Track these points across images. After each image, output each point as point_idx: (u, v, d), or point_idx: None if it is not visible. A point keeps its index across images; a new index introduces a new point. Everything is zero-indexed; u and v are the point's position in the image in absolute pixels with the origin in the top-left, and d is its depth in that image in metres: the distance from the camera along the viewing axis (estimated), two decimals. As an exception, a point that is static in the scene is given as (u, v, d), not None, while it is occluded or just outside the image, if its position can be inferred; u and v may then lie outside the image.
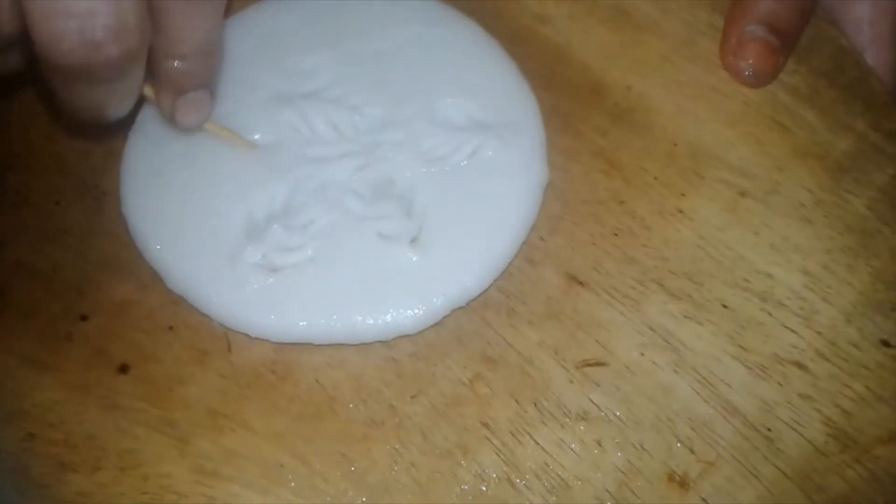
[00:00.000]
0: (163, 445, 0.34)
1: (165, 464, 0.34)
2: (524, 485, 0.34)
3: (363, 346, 0.37)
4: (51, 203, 0.40)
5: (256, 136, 0.40)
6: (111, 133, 0.40)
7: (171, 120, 0.37)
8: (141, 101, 0.36)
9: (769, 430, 0.35)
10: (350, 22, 0.43)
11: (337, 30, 0.42)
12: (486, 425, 0.35)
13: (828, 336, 0.37)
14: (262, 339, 0.36)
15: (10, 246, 0.39)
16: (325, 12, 0.43)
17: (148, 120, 0.40)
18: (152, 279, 0.37)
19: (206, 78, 0.36)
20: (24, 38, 0.30)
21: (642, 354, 0.36)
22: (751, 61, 0.42)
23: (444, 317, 0.37)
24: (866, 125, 0.42)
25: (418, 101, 0.41)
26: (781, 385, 0.36)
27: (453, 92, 0.41)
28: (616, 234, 0.39)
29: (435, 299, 0.37)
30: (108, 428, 0.35)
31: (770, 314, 0.37)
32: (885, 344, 0.37)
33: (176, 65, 0.33)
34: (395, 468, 0.34)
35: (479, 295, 0.37)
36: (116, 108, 0.34)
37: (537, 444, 0.35)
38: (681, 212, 0.40)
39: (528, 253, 0.39)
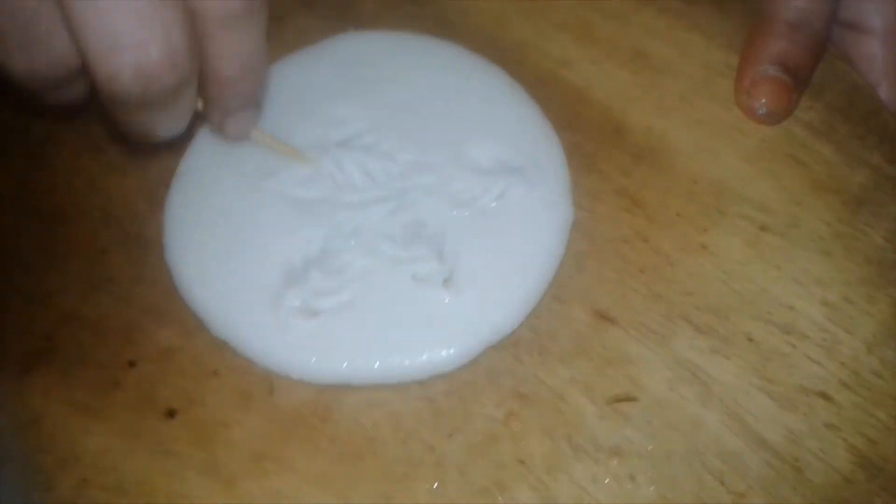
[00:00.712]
0: (210, 489, 0.36)
1: (214, 506, 0.35)
2: (561, 519, 0.35)
3: (401, 386, 0.38)
4: (97, 252, 0.41)
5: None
6: (165, 151, 0.42)
7: (219, 133, 0.39)
8: (194, 122, 0.38)
9: (797, 460, 0.36)
10: (380, 72, 0.44)
11: (368, 79, 0.44)
12: (521, 462, 0.36)
13: (850, 366, 0.38)
14: (304, 382, 0.38)
15: (58, 296, 0.40)
16: (356, 63, 0.45)
17: (189, 169, 0.42)
18: (196, 325, 0.39)
19: (251, 97, 0.38)
20: (83, 71, 0.32)
21: (671, 389, 0.38)
22: (764, 100, 0.43)
23: (478, 356, 0.38)
24: (881, 159, 0.43)
25: (447, 146, 0.42)
26: (807, 416, 0.37)
27: (480, 136, 0.43)
28: (642, 271, 0.40)
29: (468, 339, 0.38)
30: (157, 472, 0.36)
31: (794, 346, 0.38)
32: (908, 373, 0.38)
33: (223, 88, 0.35)
34: (436, 506, 0.35)
35: (511, 333, 0.39)
36: (172, 127, 0.36)
37: (572, 479, 0.36)
38: (704, 247, 0.41)
39: (557, 291, 0.40)
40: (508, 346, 0.39)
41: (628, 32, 0.47)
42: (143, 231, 0.41)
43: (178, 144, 0.41)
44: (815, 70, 0.44)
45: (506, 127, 0.43)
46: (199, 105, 0.37)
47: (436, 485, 0.36)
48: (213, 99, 0.36)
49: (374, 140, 0.42)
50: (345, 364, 0.37)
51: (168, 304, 0.40)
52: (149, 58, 0.30)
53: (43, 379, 0.38)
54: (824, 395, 0.37)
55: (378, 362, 0.37)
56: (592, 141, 0.44)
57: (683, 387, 0.38)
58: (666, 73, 0.46)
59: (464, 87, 0.44)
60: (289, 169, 0.41)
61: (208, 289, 0.39)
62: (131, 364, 0.38)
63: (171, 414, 0.37)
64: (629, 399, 0.37)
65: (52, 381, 0.38)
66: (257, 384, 0.38)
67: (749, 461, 0.36)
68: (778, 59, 0.44)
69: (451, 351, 0.38)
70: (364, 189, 0.41)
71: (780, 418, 0.37)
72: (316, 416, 0.37)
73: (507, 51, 0.46)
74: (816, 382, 0.38)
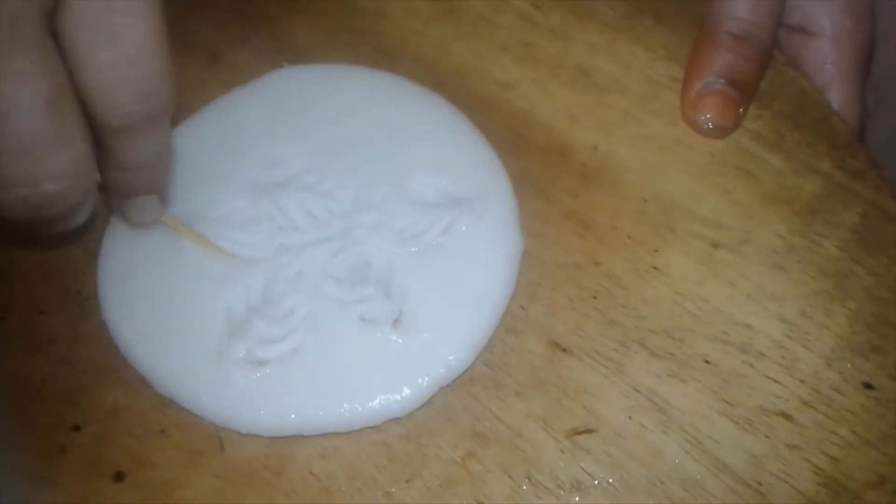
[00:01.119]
0: (163, 553, 0.35)
1: (167, 573, 0.34)
2: (523, 561, 0.34)
3: (354, 433, 0.37)
4: (35, 313, 0.40)
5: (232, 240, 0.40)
6: (74, 240, 0.41)
7: (122, 218, 0.38)
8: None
9: (760, 483, 0.36)
10: (317, 107, 0.44)
11: (305, 116, 0.43)
12: (481, 504, 0.35)
13: (810, 383, 0.37)
14: (254, 435, 0.37)
15: (-1, 360, 0.39)
16: (292, 100, 0.44)
17: (119, 222, 0.40)
18: (141, 382, 0.38)
19: (151, 187, 0.36)
20: None
21: (630, 418, 0.37)
22: (709, 115, 0.43)
23: (432, 396, 0.37)
24: (832, 165, 0.43)
25: (389, 180, 0.41)
26: (769, 437, 0.36)
27: (423, 169, 0.42)
28: (595, 297, 0.40)
29: (421, 380, 0.37)
30: (108, 539, 0.35)
31: (752, 366, 0.38)
32: (867, 386, 0.37)
33: (119, 176, 0.34)
34: (395, 555, 0.35)
35: (465, 371, 0.38)
36: (76, 223, 0.34)
37: (533, 518, 0.35)
38: (656, 268, 0.40)
39: (510, 323, 0.39)
40: (463, 384, 0.38)
41: (570, 50, 0.47)
42: (82, 287, 0.40)
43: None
44: (760, 80, 0.44)
45: (449, 157, 0.42)
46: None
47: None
48: (114, 185, 0.35)
49: (314, 179, 0.41)
50: (294, 415, 0.36)
51: (111, 362, 0.39)
52: (37, 192, 0.29)
53: (-13, 447, 0.37)
54: (785, 415, 0.37)
55: (329, 410, 0.36)
56: (538, 164, 0.43)
57: (642, 415, 0.37)
58: (610, 90, 0.45)
59: (404, 118, 0.43)
60: (226, 213, 0.40)
61: (149, 345, 0.38)
62: (76, 428, 0.37)
63: (119, 477, 0.36)
64: (588, 431, 0.37)
65: (-3, 448, 0.37)
66: (206, 440, 0.37)
67: (712, 488, 0.36)
68: (723, 72, 0.43)
69: (405, 393, 0.37)
70: (306, 230, 0.40)
71: (741, 441, 0.36)
72: (268, 469, 0.36)
73: (448, 76, 0.46)
74: (776, 402, 0.37)
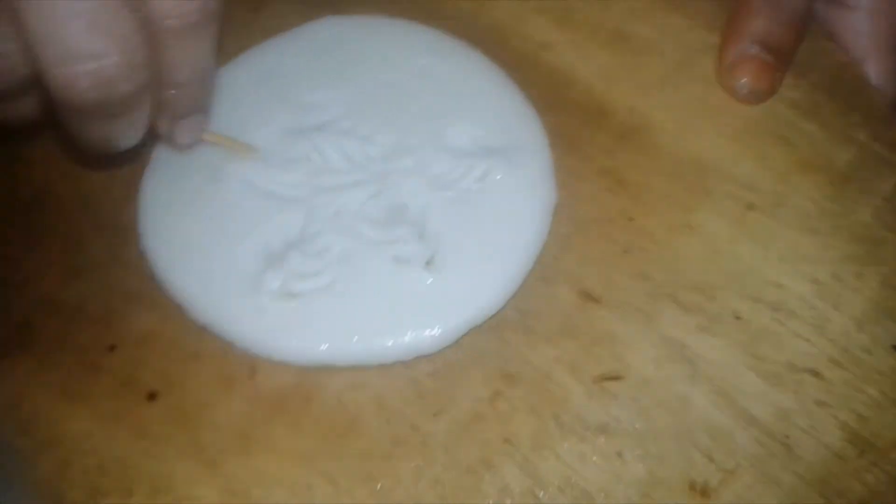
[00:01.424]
0: (193, 469, 0.35)
1: (197, 487, 0.35)
2: (548, 498, 0.35)
3: (384, 368, 0.37)
4: (74, 240, 0.41)
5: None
6: (125, 162, 0.41)
7: (169, 140, 0.38)
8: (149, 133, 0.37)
9: (787, 437, 0.36)
10: (357, 56, 0.44)
11: (345, 64, 0.44)
12: (507, 441, 0.36)
13: (840, 343, 0.38)
14: (286, 364, 0.37)
15: (35, 282, 0.40)
16: (332, 48, 0.44)
17: (162, 154, 0.41)
18: (176, 309, 0.38)
19: (200, 102, 0.37)
20: (37, 82, 0.31)
21: (658, 367, 0.37)
22: (746, 80, 0.43)
23: (462, 336, 0.38)
24: (867, 136, 0.43)
25: (427, 128, 0.42)
26: (797, 393, 0.36)
27: (460, 119, 0.42)
28: (627, 251, 0.40)
29: (451, 319, 0.37)
30: (139, 454, 0.35)
31: (782, 324, 0.38)
32: (897, 349, 0.37)
33: (173, 93, 0.35)
34: (420, 485, 0.35)
35: (495, 314, 0.38)
36: (129, 138, 0.35)
37: (559, 457, 0.35)
38: (690, 227, 0.41)
39: (541, 272, 0.39)
40: (493, 327, 0.38)
41: (608, 14, 0.47)
42: (120, 218, 0.41)
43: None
44: (797, 48, 0.44)
45: (486, 109, 0.43)
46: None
47: (421, 463, 0.35)
48: (164, 104, 0.35)
49: (352, 124, 0.42)
50: (326, 346, 0.37)
51: (147, 289, 0.39)
52: (106, 66, 0.30)
53: (22, 364, 0.38)
54: (814, 372, 0.37)
55: (359, 344, 0.37)
56: (575, 122, 0.44)
57: (670, 365, 0.37)
58: (647, 54, 0.46)
59: (442, 69, 0.44)
60: (265, 153, 0.41)
61: (186, 274, 0.38)
62: (111, 348, 0.38)
63: (152, 397, 0.37)
64: (616, 378, 0.37)
65: (32, 365, 0.38)
66: (238, 367, 0.37)
67: (738, 438, 0.36)
68: (759, 38, 0.43)
69: (435, 331, 0.37)
70: (343, 172, 0.41)
71: (769, 395, 0.36)
72: (298, 397, 0.37)
73: (486, 34, 0.46)
74: (806, 359, 0.37)
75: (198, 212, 0.40)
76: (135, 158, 0.41)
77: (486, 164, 0.41)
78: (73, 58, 0.29)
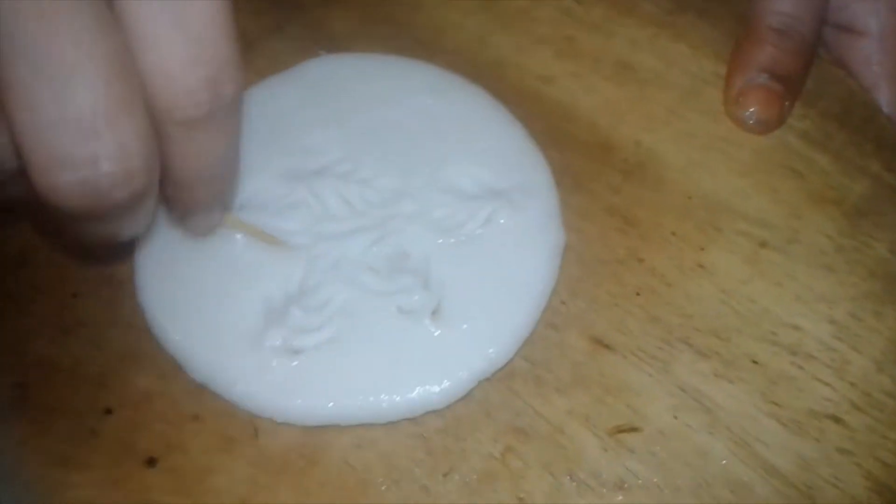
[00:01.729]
0: (196, 540, 0.34)
1: (200, 560, 0.34)
2: (565, 560, 0.33)
3: (391, 425, 0.36)
4: (68, 296, 0.39)
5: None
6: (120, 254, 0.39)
7: (181, 227, 0.36)
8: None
9: (810, 488, 0.34)
10: (355, 96, 0.43)
11: (342, 104, 0.43)
12: (521, 500, 0.34)
13: (861, 387, 0.36)
14: (290, 424, 0.36)
15: (29, 341, 0.38)
16: (329, 88, 0.43)
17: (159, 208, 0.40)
18: (174, 368, 0.37)
19: (218, 199, 0.33)
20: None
21: (675, 417, 0.36)
22: (754, 109, 0.42)
23: (471, 389, 0.36)
24: (880, 166, 0.42)
25: (428, 170, 0.41)
26: (819, 441, 0.35)
27: (462, 159, 0.41)
28: (638, 294, 0.39)
29: (460, 373, 0.36)
30: (139, 525, 0.34)
31: (801, 367, 0.37)
32: (920, 391, 0.36)
33: (183, 190, 0.31)
34: (433, 550, 0.34)
35: (505, 365, 0.37)
36: (128, 234, 0.31)
37: (575, 517, 0.34)
38: (701, 266, 0.39)
39: (551, 318, 0.38)
40: (503, 378, 0.37)
41: (611, 45, 0.46)
42: (115, 272, 0.40)
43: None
44: (805, 76, 0.43)
45: (489, 148, 0.41)
46: None
47: (432, 530, 0.34)
48: (174, 199, 0.32)
49: (351, 167, 0.41)
50: (331, 404, 0.35)
51: (144, 347, 0.38)
52: (98, 174, 0.25)
53: (18, 428, 0.36)
54: (835, 419, 0.36)
55: (366, 401, 0.36)
56: (579, 158, 0.42)
57: (688, 414, 0.36)
58: (652, 85, 0.44)
59: (442, 108, 0.42)
60: (262, 200, 0.40)
61: (185, 331, 0.37)
62: (108, 411, 0.37)
63: (151, 462, 0.35)
64: (632, 429, 0.36)
65: (28, 430, 0.36)
66: (240, 428, 0.36)
67: (760, 490, 0.35)
68: (766, 67, 0.42)
69: (444, 385, 0.36)
70: (343, 219, 0.39)
71: (790, 444, 0.35)
72: (303, 458, 0.35)
73: (486, 68, 0.45)
74: (826, 405, 0.36)
75: (195, 263, 0.39)
76: (130, 251, 0.39)
77: (491, 206, 0.39)
78: (59, 166, 0.25)
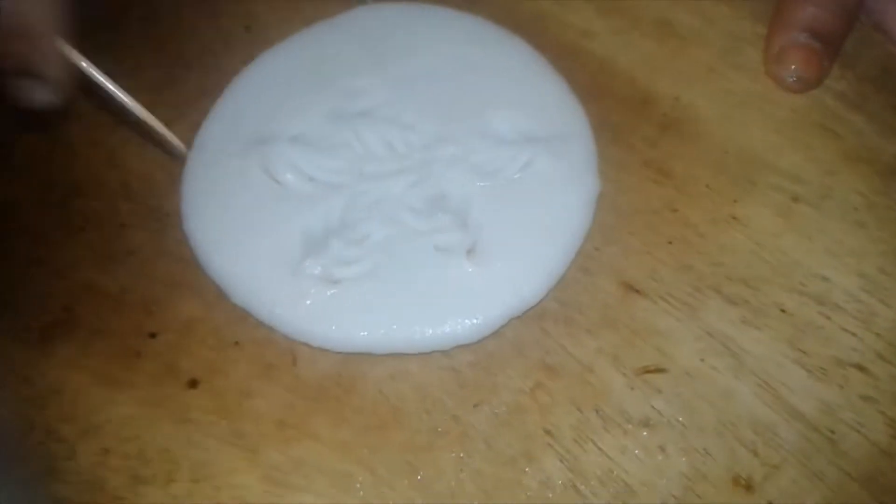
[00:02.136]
0: (234, 457, 0.35)
1: (237, 475, 0.35)
2: (589, 491, 0.34)
3: (424, 357, 0.37)
4: (116, 226, 0.41)
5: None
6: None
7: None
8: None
9: (832, 432, 0.35)
10: (399, 44, 0.44)
11: (387, 52, 0.44)
12: (548, 433, 0.35)
13: (887, 338, 0.37)
14: (324, 350, 0.37)
15: (78, 268, 0.40)
16: (374, 36, 0.44)
17: (206, 141, 0.41)
18: (217, 296, 0.38)
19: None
20: None
21: (702, 360, 0.37)
22: (794, 67, 0.42)
23: (502, 326, 0.37)
24: (916, 129, 0.42)
25: (469, 117, 0.42)
26: (843, 387, 0.36)
27: (503, 107, 0.42)
28: (670, 243, 0.40)
29: (492, 309, 0.37)
30: (180, 441, 0.36)
31: (828, 317, 0.37)
32: (946, 344, 0.37)
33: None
34: (461, 476, 0.35)
35: (536, 304, 0.38)
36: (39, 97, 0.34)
37: (601, 450, 0.35)
38: (734, 218, 0.40)
39: (583, 263, 0.39)
40: (534, 318, 0.38)
41: (651, 2, 0.46)
42: (163, 204, 0.41)
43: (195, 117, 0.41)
44: (846, 36, 0.43)
45: (529, 97, 0.42)
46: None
47: (462, 454, 0.35)
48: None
49: (394, 112, 0.42)
50: (365, 332, 0.36)
51: (188, 276, 0.39)
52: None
53: (63, 350, 0.38)
54: (860, 367, 0.36)
55: (399, 331, 0.37)
56: (618, 112, 0.43)
57: (714, 358, 0.37)
58: (692, 43, 0.45)
59: (485, 57, 0.43)
60: (308, 138, 0.41)
61: (228, 258, 0.38)
62: (152, 335, 0.38)
63: (193, 384, 0.37)
64: (659, 370, 0.37)
65: (73, 352, 0.38)
66: (279, 355, 0.37)
67: (783, 433, 0.35)
68: (807, 26, 0.43)
69: (476, 321, 0.37)
70: (385, 160, 0.40)
71: (814, 390, 0.36)
72: (339, 386, 0.37)
73: (528, 22, 0.46)
74: (852, 354, 0.37)
75: (240, 196, 0.40)
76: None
77: (530, 152, 0.40)
78: None
